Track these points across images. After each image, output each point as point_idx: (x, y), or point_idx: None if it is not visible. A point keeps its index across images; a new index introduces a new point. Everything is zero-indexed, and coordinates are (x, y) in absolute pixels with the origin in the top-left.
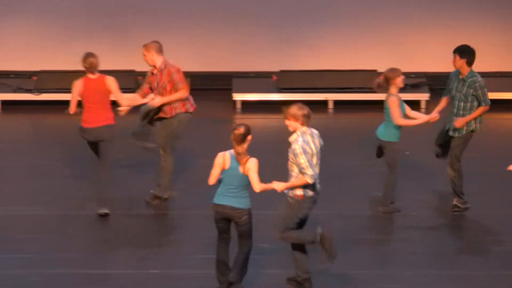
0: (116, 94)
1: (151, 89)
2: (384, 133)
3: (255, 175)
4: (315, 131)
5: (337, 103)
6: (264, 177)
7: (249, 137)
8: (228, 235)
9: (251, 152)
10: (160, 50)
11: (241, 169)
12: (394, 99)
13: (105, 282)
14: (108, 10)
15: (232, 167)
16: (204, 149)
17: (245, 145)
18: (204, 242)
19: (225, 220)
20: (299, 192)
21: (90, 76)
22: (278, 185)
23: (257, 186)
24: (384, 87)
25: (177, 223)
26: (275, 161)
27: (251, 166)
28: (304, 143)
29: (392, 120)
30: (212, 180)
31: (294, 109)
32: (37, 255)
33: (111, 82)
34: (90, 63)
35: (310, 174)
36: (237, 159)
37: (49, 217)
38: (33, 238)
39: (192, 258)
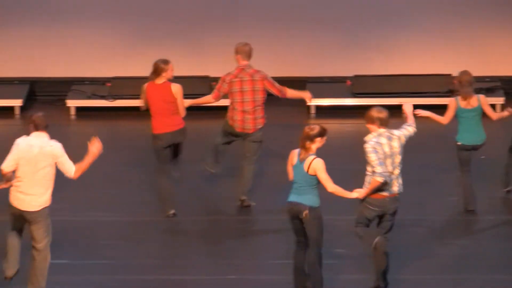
0: (179, 102)
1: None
2: (482, 135)
3: (324, 175)
4: (397, 133)
5: None
6: (339, 181)
7: (318, 139)
8: (302, 238)
9: (326, 157)
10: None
11: (305, 167)
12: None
13: None
14: (183, 16)
15: (296, 164)
16: (279, 155)
17: (312, 145)
18: (282, 248)
19: (296, 219)
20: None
21: (157, 81)
22: (359, 192)
23: (330, 185)
24: (459, 90)
25: (255, 228)
26: (350, 165)
27: (318, 166)
28: (376, 144)
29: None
30: (289, 175)
31: (371, 112)
32: (115, 261)
33: (177, 90)
34: (155, 67)
35: (379, 171)
36: (301, 156)
37: (125, 223)
38: (111, 244)
39: (269, 264)
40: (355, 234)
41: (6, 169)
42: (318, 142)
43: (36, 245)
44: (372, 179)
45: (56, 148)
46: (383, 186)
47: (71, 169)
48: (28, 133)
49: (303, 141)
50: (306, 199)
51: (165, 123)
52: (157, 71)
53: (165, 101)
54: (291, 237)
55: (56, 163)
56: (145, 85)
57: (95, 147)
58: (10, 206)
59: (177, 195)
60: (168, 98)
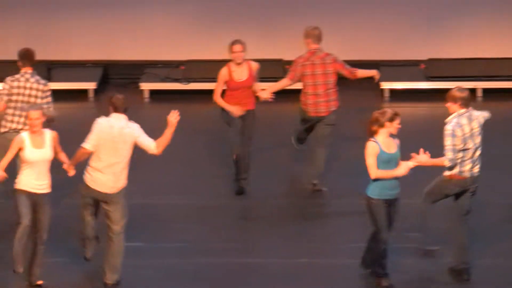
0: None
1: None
2: None
3: (368, 159)
4: (476, 113)
5: (486, 91)
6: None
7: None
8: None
9: (399, 140)
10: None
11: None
12: None
13: (256, 271)
14: None
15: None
16: (353, 138)
17: (380, 129)
18: (354, 231)
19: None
20: (446, 172)
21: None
22: (419, 158)
23: (372, 172)
24: None
25: (327, 212)
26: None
27: (365, 150)
28: (457, 126)
29: None
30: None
31: (453, 92)
32: (188, 244)
33: (256, 67)
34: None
35: (449, 157)
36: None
37: (198, 206)
38: (184, 227)
39: (341, 248)
40: (421, 208)
41: (90, 149)
42: (388, 127)
43: (114, 227)
44: (440, 159)
45: (134, 129)
46: (457, 170)
47: (152, 145)
48: (107, 114)
49: (370, 125)
50: (367, 186)
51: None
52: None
53: (245, 82)
54: (363, 221)
55: (135, 143)
56: (224, 68)
57: (173, 117)
58: (87, 187)
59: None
60: (248, 79)
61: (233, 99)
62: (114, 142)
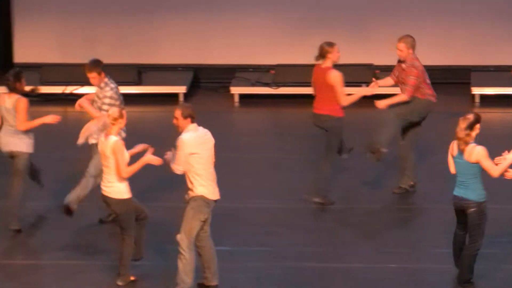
0: (337, 90)
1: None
2: None
3: (487, 161)
4: None
5: None
6: None
7: (477, 126)
8: (464, 229)
9: (488, 146)
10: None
11: (466, 157)
12: None
13: (344, 276)
14: (348, 3)
15: (457, 156)
16: (442, 143)
17: (472, 133)
18: (444, 237)
19: (461, 213)
20: None
21: (320, 63)
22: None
23: (494, 171)
24: None
25: (416, 216)
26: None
27: (480, 153)
28: None
29: None
30: (450, 169)
31: None
32: (276, 248)
33: (334, 77)
34: (320, 49)
35: None
36: (460, 147)
37: (286, 210)
38: (272, 231)
39: (430, 253)
40: None
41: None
42: (476, 129)
43: (208, 231)
44: None
45: (210, 134)
46: None
47: None
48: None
49: (461, 131)
50: (471, 193)
51: (320, 105)
52: (321, 53)
53: (323, 85)
54: (451, 226)
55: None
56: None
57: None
58: (208, 202)
59: (340, 183)
60: (326, 83)
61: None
62: (207, 150)
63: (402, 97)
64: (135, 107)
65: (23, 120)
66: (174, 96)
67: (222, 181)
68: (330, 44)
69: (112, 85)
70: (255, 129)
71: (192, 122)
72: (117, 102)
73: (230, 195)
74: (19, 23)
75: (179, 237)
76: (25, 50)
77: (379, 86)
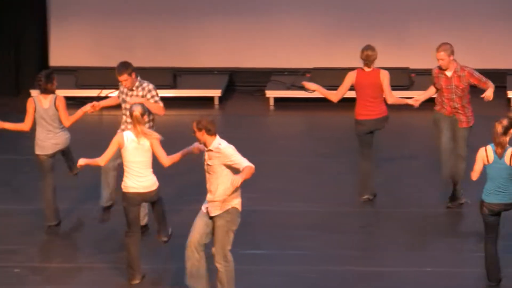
0: (386, 90)
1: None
2: None
3: None
4: None
5: None
6: None
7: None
8: (495, 234)
9: None
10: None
11: (506, 161)
12: None
13: (378, 280)
14: (385, 7)
15: (495, 161)
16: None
17: (507, 137)
18: (478, 240)
19: (495, 216)
20: None
21: (365, 69)
22: None
23: None
24: None
25: (453, 220)
26: None
27: None
28: None
29: None
30: (474, 175)
31: None
32: (311, 251)
33: (384, 76)
34: (366, 55)
35: None
36: (497, 152)
37: (321, 213)
38: (307, 234)
39: (467, 257)
40: None
41: None
42: (510, 134)
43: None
44: None
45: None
46: None
47: None
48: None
49: (498, 136)
50: (510, 196)
51: (369, 111)
52: (371, 59)
53: (374, 87)
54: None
55: None
56: (353, 72)
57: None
58: (238, 212)
59: (376, 185)
60: (378, 84)
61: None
62: None
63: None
64: (170, 110)
65: (67, 116)
66: (210, 99)
67: (257, 184)
68: (374, 49)
69: (146, 82)
70: (290, 133)
71: (209, 134)
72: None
73: (265, 199)
74: (55, 27)
75: (214, 250)
76: (60, 54)
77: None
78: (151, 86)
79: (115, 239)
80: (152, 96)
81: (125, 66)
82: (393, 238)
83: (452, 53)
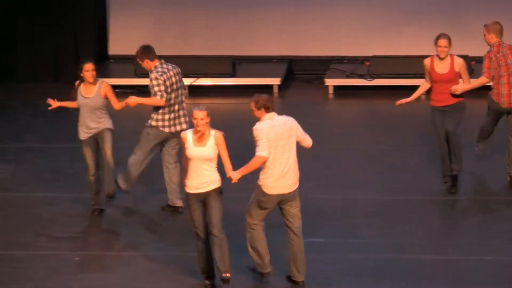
0: (464, 76)
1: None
2: None
3: None
4: None
5: None
6: None
7: None
8: None
9: None
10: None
11: None
12: None
13: (440, 268)
14: None
15: None
16: None
17: None
18: None
19: None
20: None
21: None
22: None
23: None
24: None
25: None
26: None
27: None
28: None
29: None
30: None
31: None
32: (372, 239)
33: (459, 63)
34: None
35: None
36: None
37: (383, 202)
38: (368, 223)
39: None
40: None
41: (267, 155)
42: None
43: (297, 224)
44: None
45: (293, 121)
46: None
47: (308, 139)
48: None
49: None
50: None
51: (442, 97)
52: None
53: (446, 75)
54: None
55: (296, 135)
56: (427, 59)
57: None
58: (265, 195)
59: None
60: (449, 73)
61: (436, 91)
62: (282, 139)
63: (482, 80)
64: (229, 99)
65: (116, 100)
66: (269, 87)
67: (317, 173)
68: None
69: (159, 69)
70: (349, 121)
71: (268, 112)
72: (162, 88)
73: (325, 187)
74: (114, 16)
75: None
76: (119, 43)
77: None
78: (153, 75)
79: (175, 229)
80: (151, 87)
81: (139, 51)
82: (454, 226)
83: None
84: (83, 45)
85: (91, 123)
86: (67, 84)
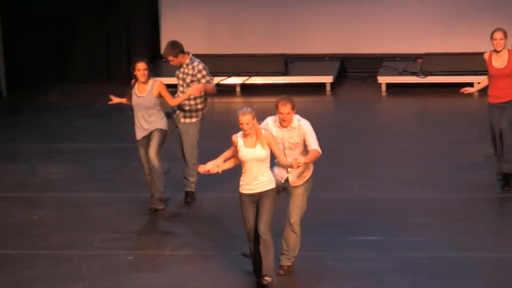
0: None
1: None
2: None
3: None
4: None
5: None
6: None
7: None
8: None
9: None
10: None
11: None
12: None
13: (495, 265)
14: None
15: None
16: None
17: None
18: None
19: None
20: None
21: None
22: None
23: None
24: None
25: None
26: None
27: None
28: None
29: None
30: None
31: None
32: (427, 238)
33: None
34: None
35: None
36: None
37: (438, 200)
38: (423, 221)
39: None
40: None
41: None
42: None
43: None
44: None
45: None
46: None
47: (312, 145)
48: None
49: None
50: None
51: (499, 93)
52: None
53: (504, 70)
54: None
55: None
56: (486, 53)
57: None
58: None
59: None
60: (506, 67)
61: (493, 86)
62: None
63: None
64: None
65: (170, 97)
66: (321, 85)
67: (371, 171)
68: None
69: (197, 60)
70: (403, 119)
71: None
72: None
73: (380, 185)
74: (166, 15)
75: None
76: None
77: None
78: (201, 65)
79: (231, 227)
80: (203, 76)
81: (170, 48)
82: (509, 224)
83: None
84: (135, 45)
85: (144, 123)
86: (120, 84)
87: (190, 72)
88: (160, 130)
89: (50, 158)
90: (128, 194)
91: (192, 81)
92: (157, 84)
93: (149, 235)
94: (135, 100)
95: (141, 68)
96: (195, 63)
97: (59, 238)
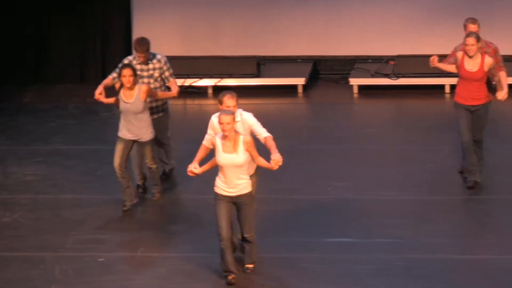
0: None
1: None
2: None
3: None
4: None
5: None
6: None
7: None
8: None
9: None
10: None
11: None
12: None
13: (470, 267)
14: None
15: None
16: None
17: None
18: None
19: None
20: None
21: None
22: None
23: None
24: None
25: None
26: None
27: None
28: None
29: None
30: None
31: None
32: (402, 240)
33: (488, 62)
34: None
35: None
36: None
37: (411, 201)
38: (397, 223)
39: None
40: None
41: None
42: None
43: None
44: None
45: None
46: None
47: (263, 134)
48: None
49: None
50: None
51: (468, 95)
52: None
53: (475, 74)
54: None
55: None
56: (459, 53)
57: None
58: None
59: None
60: (479, 71)
61: (463, 88)
62: None
63: None
64: (254, 99)
65: (158, 94)
66: (294, 88)
67: (344, 172)
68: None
69: (159, 54)
70: (375, 121)
71: None
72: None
73: (353, 187)
74: (139, 17)
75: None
76: None
77: None
78: (163, 56)
79: (202, 228)
80: (168, 68)
81: (143, 43)
82: (483, 226)
83: None
84: (109, 46)
85: (132, 127)
86: (94, 86)
87: (157, 65)
88: (150, 141)
89: (24, 160)
90: (102, 196)
91: (161, 74)
92: (144, 89)
93: (123, 237)
94: (123, 106)
95: (126, 74)
96: (158, 56)
97: (33, 240)
